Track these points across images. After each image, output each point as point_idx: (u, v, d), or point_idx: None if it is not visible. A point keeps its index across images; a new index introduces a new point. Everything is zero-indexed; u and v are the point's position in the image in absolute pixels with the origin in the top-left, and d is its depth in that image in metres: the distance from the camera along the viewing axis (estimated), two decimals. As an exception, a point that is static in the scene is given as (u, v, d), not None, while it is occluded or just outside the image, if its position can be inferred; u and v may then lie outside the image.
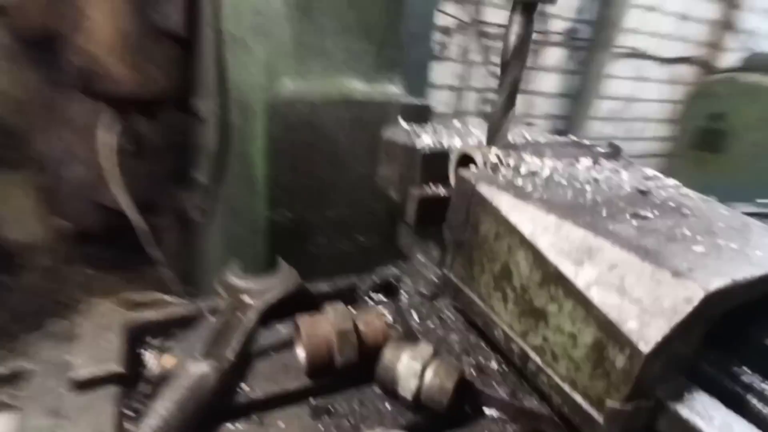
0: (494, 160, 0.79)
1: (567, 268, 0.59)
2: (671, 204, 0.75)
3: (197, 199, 1.82)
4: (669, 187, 0.82)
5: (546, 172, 0.78)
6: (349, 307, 0.85)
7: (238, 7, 1.35)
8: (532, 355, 0.68)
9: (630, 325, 0.55)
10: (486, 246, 0.71)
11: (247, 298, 0.86)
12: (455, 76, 3.90)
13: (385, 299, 1.01)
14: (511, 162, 0.79)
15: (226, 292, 0.91)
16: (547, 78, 4.34)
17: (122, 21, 1.65)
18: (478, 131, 0.98)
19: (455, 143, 0.89)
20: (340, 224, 1.61)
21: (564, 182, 0.75)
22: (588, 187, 0.74)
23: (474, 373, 0.78)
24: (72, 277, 2.90)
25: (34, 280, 2.76)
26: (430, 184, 0.90)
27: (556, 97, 4.49)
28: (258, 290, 0.90)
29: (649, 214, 0.69)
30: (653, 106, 5.18)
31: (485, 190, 0.70)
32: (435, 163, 0.87)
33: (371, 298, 1.02)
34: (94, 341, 0.74)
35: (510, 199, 0.67)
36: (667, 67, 5.00)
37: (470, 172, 0.74)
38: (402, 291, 0.96)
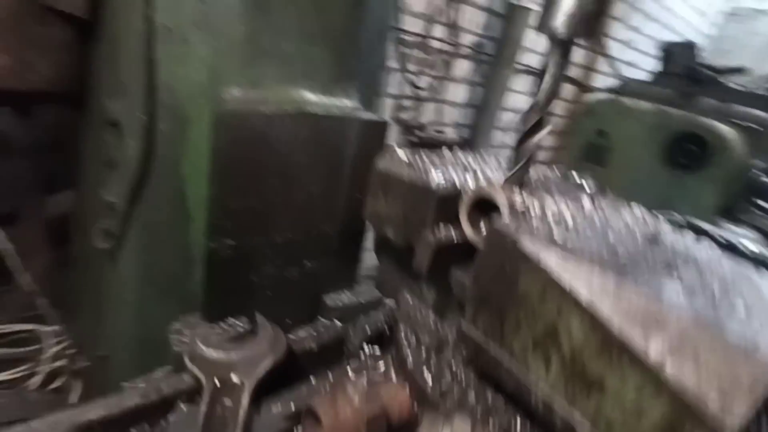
0: (519, 204, 0.73)
1: (635, 338, 0.56)
2: (681, 251, 0.77)
3: (101, 220, 1.51)
4: (664, 230, 0.85)
5: (569, 218, 0.75)
6: (352, 370, 0.73)
7: (176, -8, 1.12)
8: (581, 426, 0.64)
9: (712, 403, 0.53)
10: (526, 305, 0.65)
11: (233, 377, 0.69)
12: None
13: (379, 352, 0.90)
14: (536, 206, 0.74)
15: (202, 369, 0.72)
16: (455, 88, 4.51)
17: (-5, -9, 1.28)
18: (478, 165, 0.92)
19: (467, 181, 0.82)
20: (287, 250, 1.44)
21: (589, 231, 0.73)
22: (611, 236, 0.73)
23: (501, 438, 0.73)
24: None
25: None
26: (440, 225, 0.82)
27: (463, 106, 4.69)
28: (244, 362, 0.73)
29: (678, 270, 0.70)
30: (540, 118, 5.70)
31: (528, 245, 0.64)
32: (448, 203, 0.79)
33: (364, 352, 0.91)
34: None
35: (558, 256, 0.62)
36: (553, 84, 5.53)
37: (506, 224, 0.68)
38: (402, 343, 0.86)
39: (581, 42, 0.75)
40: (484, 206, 0.76)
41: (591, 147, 3.75)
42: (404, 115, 4.22)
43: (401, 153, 0.96)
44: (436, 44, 4.08)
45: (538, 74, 0.77)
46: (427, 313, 0.89)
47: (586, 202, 0.84)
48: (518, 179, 0.78)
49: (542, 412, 0.68)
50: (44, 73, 1.50)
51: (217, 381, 0.68)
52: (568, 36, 0.72)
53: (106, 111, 1.38)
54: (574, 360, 0.61)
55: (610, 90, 4.14)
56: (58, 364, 2.12)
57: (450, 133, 4.67)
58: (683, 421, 0.55)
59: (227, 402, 0.64)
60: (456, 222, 0.80)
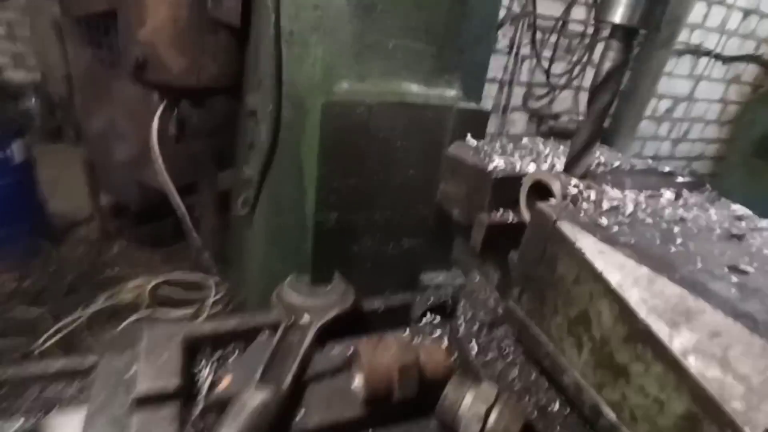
0: (573, 191, 0.73)
1: (660, 329, 0.54)
2: (765, 255, 0.68)
3: (243, 191, 1.83)
4: (764, 230, 0.75)
5: (629, 208, 0.72)
6: (409, 331, 0.83)
7: (298, 1, 1.32)
8: (606, 410, 0.64)
9: (735, 405, 0.50)
10: (562, 287, 0.67)
11: (305, 318, 0.85)
12: (501, 68, 3.78)
13: (439, 321, 0.98)
14: (592, 195, 0.73)
15: (284, 309, 0.90)
16: (598, 73, 4.15)
17: (179, 10, 1.64)
18: (549, 153, 0.92)
19: (528, 167, 0.84)
20: (386, 227, 1.58)
21: (650, 221, 0.70)
22: (676, 229, 0.69)
23: (536, 415, 0.75)
24: (113, 251, 3.01)
25: (78, 252, 2.88)
26: (499, 209, 0.85)
27: (606, 93, 4.29)
28: (315, 308, 0.89)
29: (749, 268, 0.63)
30: (706, 106, 4.89)
31: (567, 228, 0.65)
32: (506, 187, 0.82)
33: (424, 318, 1.00)
34: (155, 357, 0.74)
35: (595, 242, 0.62)
36: (727, 65, 4.69)
37: (549, 206, 0.69)
38: (458, 315, 0.92)
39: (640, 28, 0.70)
40: (546, 192, 0.77)
41: (762, 140, 3.14)
42: (535, 104, 4.04)
43: (471, 140, 1.01)
44: (576, 27, 3.80)
45: (598, 65, 0.74)
46: (490, 292, 0.93)
47: (668, 193, 0.78)
48: (578, 166, 0.77)
49: (573, 395, 0.69)
50: (213, 72, 1.87)
51: (291, 319, 0.84)
52: (626, 24, 0.68)
53: (249, 103, 1.68)
54: (603, 347, 0.61)
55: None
56: (218, 308, 2.62)
57: (588, 123, 4.32)
58: (702, 419, 0.52)
59: (296, 336, 0.80)
60: (516, 205, 0.83)
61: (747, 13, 4.42)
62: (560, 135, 4.24)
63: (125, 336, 2.29)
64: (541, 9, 3.54)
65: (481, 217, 0.83)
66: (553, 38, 3.72)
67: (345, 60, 1.35)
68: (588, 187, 0.74)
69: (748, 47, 4.64)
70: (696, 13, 4.05)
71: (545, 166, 0.85)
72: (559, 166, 0.84)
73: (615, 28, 0.71)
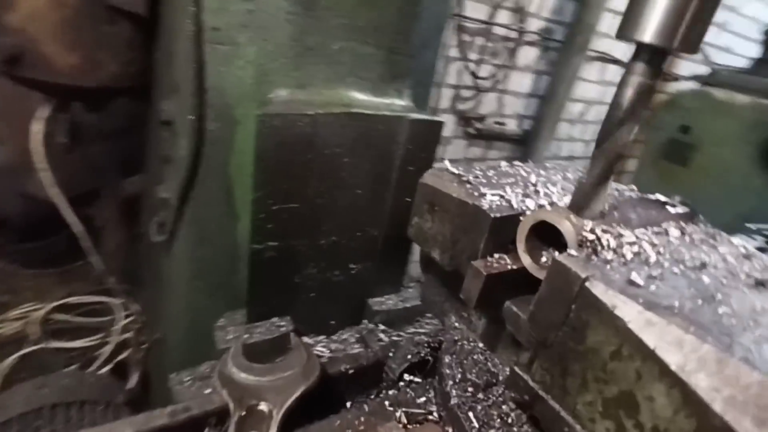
0: (590, 236, 0.62)
1: (746, 430, 0.44)
2: None
3: (158, 213, 1.54)
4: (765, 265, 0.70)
5: (651, 255, 0.62)
6: (388, 401, 0.67)
7: (225, -7, 1.09)
8: None
9: None
10: (596, 361, 0.55)
11: (263, 405, 0.65)
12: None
13: (419, 379, 0.83)
14: (611, 240, 0.62)
15: (231, 393, 0.68)
16: (520, 77, 4.26)
17: (63, -7, 1.32)
18: (538, 182, 0.81)
19: (525, 203, 0.71)
20: (331, 252, 1.40)
21: (676, 271, 0.61)
22: (706, 279, 0.60)
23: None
24: (-5, 274, 2.50)
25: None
26: (494, 253, 0.72)
27: (526, 97, 4.43)
28: (274, 388, 0.69)
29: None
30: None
31: (600, 290, 0.53)
32: (505, 228, 0.69)
33: (403, 380, 0.84)
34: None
35: (639, 310, 0.51)
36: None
37: (574, 261, 0.57)
38: (445, 375, 0.78)
39: (676, 53, 0.61)
40: (546, 232, 0.65)
41: (672, 144, 3.40)
42: (463, 106, 4.05)
43: (450, 166, 0.86)
44: (500, 31, 3.85)
45: (618, 86, 0.65)
46: (475, 343, 0.80)
47: (673, 230, 0.71)
48: (588, 202, 0.66)
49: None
50: (112, 70, 1.55)
51: (245, 408, 0.64)
52: (663, 45, 0.58)
53: (163, 110, 1.39)
54: None
55: (698, 79, 3.72)
56: (126, 335, 2.24)
57: (511, 125, 4.44)
58: None
59: (254, 434, 0.61)
60: (511, 248, 0.70)
61: (644, 24, 4.81)
62: (487, 137, 4.31)
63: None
64: (467, 11, 3.53)
65: (477, 266, 0.69)
66: (480, 41, 3.74)
67: (282, 64, 1.15)
68: (604, 231, 0.63)
69: (646, 56, 5.07)
70: (603, 23, 4.31)
71: (543, 201, 0.73)
72: (556, 198, 0.73)
73: (641, 48, 0.60)
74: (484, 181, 0.78)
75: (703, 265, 0.64)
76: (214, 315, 1.41)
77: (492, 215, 0.68)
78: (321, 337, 1.52)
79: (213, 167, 1.27)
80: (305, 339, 1.49)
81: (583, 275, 0.55)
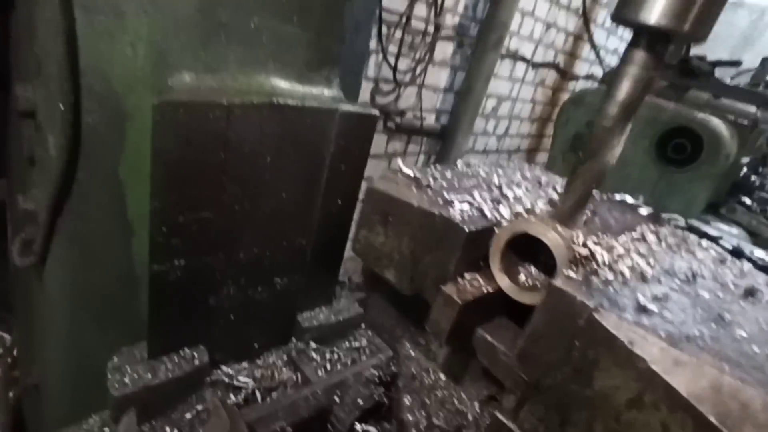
0: (583, 251, 0.52)
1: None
2: None
3: (23, 230, 1.22)
4: (747, 269, 0.67)
5: (647, 270, 0.54)
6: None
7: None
8: None
9: None
10: (607, 409, 0.45)
11: None
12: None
13: (374, 428, 0.68)
14: (605, 255, 0.53)
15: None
16: (437, 72, 4.27)
17: None
18: (502, 183, 0.70)
19: (499, 211, 0.60)
20: (253, 268, 1.21)
21: (675, 287, 0.53)
22: (705, 295, 0.53)
23: None
24: None
25: None
26: (465, 273, 0.60)
27: (444, 92, 4.46)
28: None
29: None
30: (521, 105, 5.55)
31: (614, 324, 0.43)
32: (477, 243, 0.57)
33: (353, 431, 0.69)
34: None
35: (662, 346, 0.41)
36: (536, 70, 5.37)
37: (576, 286, 0.47)
38: (407, 423, 0.64)
39: (684, 39, 0.53)
40: (521, 245, 0.55)
41: (579, 138, 3.60)
42: (383, 100, 3.96)
43: (404, 167, 0.72)
44: (418, 25, 3.81)
45: (608, 78, 0.56)
46: (436, 375, 0.68)
47: (650, 235, 0.64)
48: (574, 211, 0.56)
49: None
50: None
51: None
52: (672, 27, 0.49)
53: (21, 97, 1.08)
54: None
55: (594, 79, 3.99)
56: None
57: (430, 120, 4.45)
58: None
59: None
60: (482, 265, 0.59)
61: (548, 25, 5.09)
62: (407, 131, 4.27)
63: None
64: (385, 2, 3.43)
65: (449, 293, 0.56)
66: (398, 34, 3.66)
67: (185, 42, 0.93)
68: (596, 243, 0.53)
69: (549, 56, 5.38)
70: (515, 22, 4.47)
71: (518, 208, 0.62)
72: (528, 202, 0.62)
73: (642, 32, 0.50)
74: (445, 184, 0.66)
75: (694, 276, 0.58)
76: (107, 353, 1.15)
77: (466, 229, 0.56)
78: (243, 364, 1.32)
79: (97, 171, 1.01)
80: (224, 368, 1.28)
81: (591, 304, 0.45)
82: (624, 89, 0.54)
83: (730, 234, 3.05)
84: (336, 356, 1.35)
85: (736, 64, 3.28)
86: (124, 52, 0.89)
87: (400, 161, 0.76)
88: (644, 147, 3.16)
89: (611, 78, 0.61)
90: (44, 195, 1.06)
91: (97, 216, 1.07)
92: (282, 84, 1.06)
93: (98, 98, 0.94)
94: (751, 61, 4.22)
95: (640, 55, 0.54)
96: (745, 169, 3.48)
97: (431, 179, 0.68)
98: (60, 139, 0.96)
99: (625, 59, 0.55)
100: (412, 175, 0.68)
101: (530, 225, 0.55)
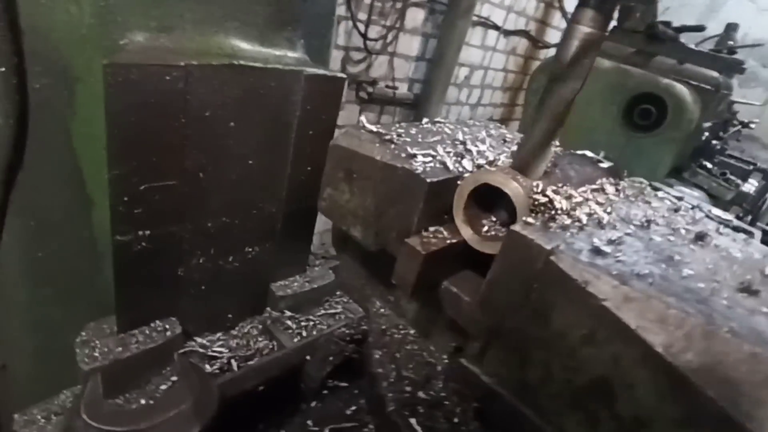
0: (542, 198, 0.53)
1: (742, 412, 0.38)
2: (743, 259, 0.61)
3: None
4: (703, 220, 0.69)
5: (603, 216, 0.56)
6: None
7: None
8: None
9: None
10: (563, 347, 0.47)
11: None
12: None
13: (345, 384, 0.69)
14: (563, 202, 0.54)
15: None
16: (409, 40, 4.19)
17: None
18: (467, 139, 0.70)
19: (462, 165, 0.60)
20: (221, 237, 1.19)
21: (629, 231, 0.55)
22: (657, 238, 0.55)
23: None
24: None
25: None
26: (428, 226, 0.60)
27: (416, 60, 4.39)
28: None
29: (756, 286, 0.53)
30: (494, 74, 5.53)
31: (569, 266, 0.44)
32: (440, 195, 0.57)
33: (325, 387, 0.70)
34: None
35: (614, 284, 0.43)
36: (508, 38, 5.33)
37: (534, 231, 0.47)
38: (378, 376, 0.66)
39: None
40: (484, 198, 0.55)
41: (549, 106, 3.62)
42: (354, 69, 3.88)
43: (367, 124, 0.71)
44: (388, -10, 3.71)
45: (564, 32, 0.56)
46: (406, 330, 0.69)
47: (609, 186, 0.66)
48: (533, 162, 0.57)
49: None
50: None
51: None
52: None
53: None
54: (640, 430, 0.44)
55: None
56: None
57: (403, 89, 4.39)
58: None
59: None
60: (446, 218, 0.59)
61: (519, -9, 5.03)
62: (379, 101, 4.21)
63: None
64: (354, -34, 3.31)
65: (413, 245, 0.57)
66: (368, 0, 3.56)
67: (136, -1, 0.88)
68: (555, 192, 0.54)
69: (521, 23, 5.35)
70: (485, -12, 4.40)
71: (481, 161, 0.63)
72: (491, 156, 0.63)
73: None
74: (408, 140, 0.66)
75: (649, 223, 0.60)
76: (73, 329, 1.12)
77: (428, 180, 0.56)
78: (218, 335, 1.31)
79: (47, 139, 0.96)
80: (198, 340, 1.28)
81: (548, 247, 0.46)
82: (572, 48, 0.55)
83: (692, 196, 3.16)
84: (311, 323, 1.36)
85: (699, 29, 3.34)
86: (68, 10, 0.84)
87: (363, 117, 0.75)
88: (612, 113, 3.21)
89: (562, 38, 0.61)
90: (-6, 166, 1.00)
91: (51, 187, 1.03)
92: (242, 45, 1.02)
93: (42, 61, 0.88)
94: (715, 29, 4.30)
95: (588, 14, 0.55)
96: (706, 134, 3.59)
97: (394, 135, 0.67)
98: (5, 105, 0.90)
99: (573, 19, 0.55)
100: (374, 130, 0.68)
101: (490, 175, 0.56)
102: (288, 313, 1.40)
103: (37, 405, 1.02)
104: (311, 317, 1.38)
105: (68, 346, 1.09)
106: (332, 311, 1.41)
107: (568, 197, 0.59)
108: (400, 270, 0.60)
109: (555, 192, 0.57)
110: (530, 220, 0.53)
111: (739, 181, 3.74)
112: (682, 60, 3.17)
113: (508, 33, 5.22)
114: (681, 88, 2.96)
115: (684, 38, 3.59)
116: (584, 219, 0.56)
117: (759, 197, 4.19)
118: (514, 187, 0.54)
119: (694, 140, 3.24)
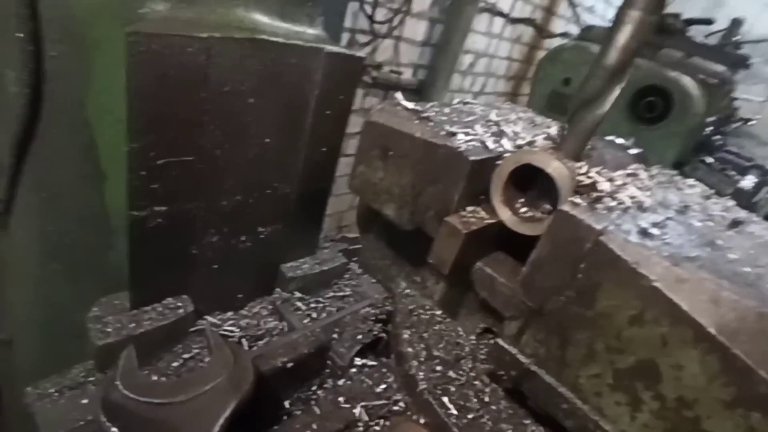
0: (586, 180, 0.52)
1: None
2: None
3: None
4: (731, 204, 0.69)
5: (645, 200, 0.55)
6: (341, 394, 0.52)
7: None
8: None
9: None
10: (608, 328, 0.47)
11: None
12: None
13: (373, 362, 0.69)
14: (606, 185, 0.53)
15: (135, 419, 0.47)
16: (415, 25, 4.13)
17: None
18: (501, 120, 0.69)
19: (502, 145, 0.59)
20: (235, 215, 1.18)
21: (671, 215, 0.54)
22: (696, 223, 0.55)
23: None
24: None
25: None
26: (467, 206, 0.59)
27: (421, 45, 4.34)
28: (191, 412, 0.49)
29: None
30: (498, 62, 5.48)
31: (619, 246, 0.44)
32: (481, 174, 0.56)
33: (353, 365, 0.69)
34: None
35: (665, 265, 0.43)
36: (513, 26, 5.27)
37: (583, 211, 0.47)
38: (407, 354, 0.65)
39: None
40: (520, 181, 0.54)
41: (556, 95, 3.61)
42: (359, 52, 3.83)
43: (405, 102, 0.70)
44: (395, -28, 3.65)
45: (613, 22, 0.54)
46: (432, 311, 0.69)
47: (642, 172, 0.66)
48: (578, 146, 0.56)
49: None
50: None
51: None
52: None
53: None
54: (682, 410, 0.44)
55: (569, 37, 3.96)
56: None
57: (407, 75, 4.34)
58: None
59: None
60: (482, 199, 0.59)
61: (526, -22, 4.96)
62: (383, 86, 4.16)
63: None
64: (362, -54, 3.25)
65: (453, 223, 0.56)
66: (376, -19, 3.49)
67: (157, -35, 0.85)
68: (598, 174, 0.54)
69: (527, 11, 5.29)
70: (492, -27, 4.33)
71: (519, 142, 0.62)
72: (528, 137, 0.62)
73: None
74: (445, 118, 0.64)
75: (686, 208, 0.60)
76: (82, 305, 1.11)
77: (470, 158, 0.55)
78: (228, 314, 1.31)
79: (62, 110, 0.94)
80: (209, 318, 1.27)
81: (598, 227, 0.45)
82: (626, 33, 0.53)
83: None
84: (321, 305, 1.35)
85: (708, 22, 3.31)
86: (89, -25, 0.81)
87: (399, 94, 0.73)
88: (617, 104, 3.19)
89: (613, 23, 0.60)
90: (6, 137, 0.98)
91: (64, 161, 1.01)
92: (263, 19, 1.00)
93: (59, 27, 0.86)
94: (720, 23, 4.27)
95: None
96: (710, 129, 3.60)
97: (431, 113, 0.66)
98: (21, 74, 0.88)
99: (625, 4, 0.54)
100: (411, 107, 0.66)
101: (533, 155, 0.55)
102: (297, 294, 1.40)
103: (49, 379, 1.01)
104: (320, 299, 1.38)
105: (79, 321, 1.08)
106: (341, 294, 1.41)
107: (610, 180, 0.58)
108: (438, 249, 0.59)
109: (598, 174, 0.57)
110: (577, 200, 0.52)
111: (737, 177, 3.76)
112: (690, 53, 3.16)
113: (514, 20, 5.16)
114: (688, 81, 2.95)
115: (692, 31, 3.57)
116: (627, 201, 0.56)
117: (754, 193, 4.22)
118: (558, 167, 0.53)
119: (698, 135, 3.24)
